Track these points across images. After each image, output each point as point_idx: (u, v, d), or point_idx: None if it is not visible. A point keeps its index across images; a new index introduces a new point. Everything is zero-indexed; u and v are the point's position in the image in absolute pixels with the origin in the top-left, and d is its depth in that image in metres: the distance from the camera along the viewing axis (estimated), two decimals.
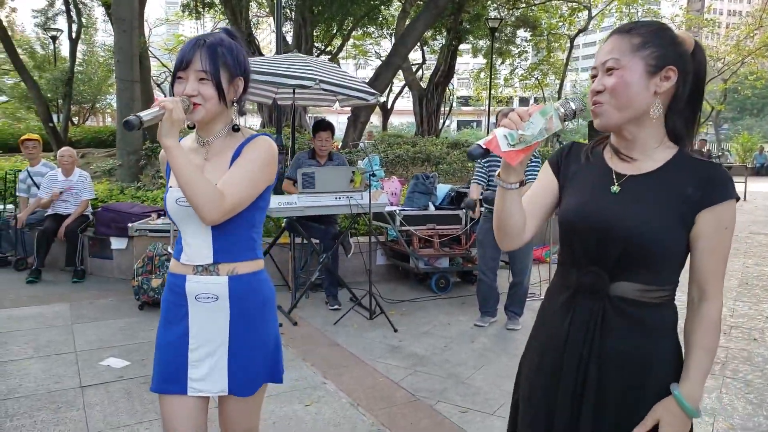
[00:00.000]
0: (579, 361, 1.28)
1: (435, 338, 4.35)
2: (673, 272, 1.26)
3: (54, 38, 20.50)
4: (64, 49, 22.19)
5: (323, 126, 5.04)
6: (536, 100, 38.91)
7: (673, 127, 1.26)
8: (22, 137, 6.38)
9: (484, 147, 1.20)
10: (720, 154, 23.09)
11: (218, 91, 1.56)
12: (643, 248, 1.21)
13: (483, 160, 4.56)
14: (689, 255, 1.25)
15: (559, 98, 25.35)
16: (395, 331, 4.44)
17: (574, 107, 1.23)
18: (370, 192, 4.49)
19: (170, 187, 1.66)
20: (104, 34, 27.11)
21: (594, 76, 1.27)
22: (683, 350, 1.27)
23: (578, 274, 1.31)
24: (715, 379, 3.60)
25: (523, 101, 38.25)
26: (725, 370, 3.76)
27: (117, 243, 5.76)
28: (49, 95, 17.73)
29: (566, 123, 1.27)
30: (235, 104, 1.66)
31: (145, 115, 1.46)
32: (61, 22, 19.56)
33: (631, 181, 1.27)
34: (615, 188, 1.28)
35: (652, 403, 1.24)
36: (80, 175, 6.03)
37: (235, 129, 1.65)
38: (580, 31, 24.14)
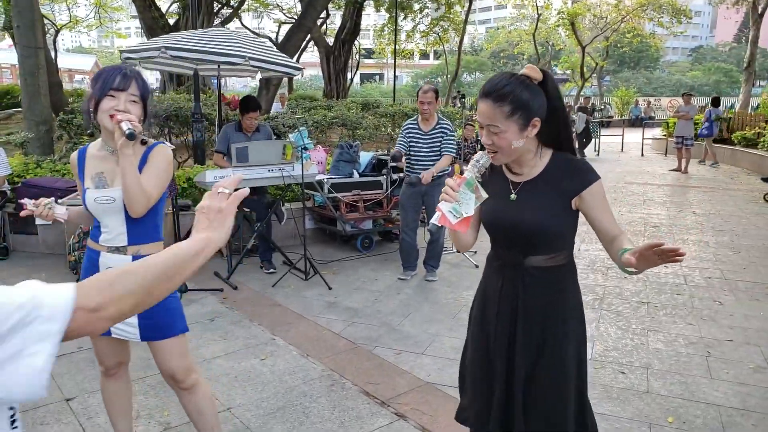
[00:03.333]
0: (511, 310, 1.84)
1: (366, 293, 4.90)
2: (568, 241, 1.84)
3: None
4: None
5: (252, 106, 5.23)
6: (436, 54, 39.74)
7: (546, 140, 1.78)
8: None
9: (439, 224, 1.61)
10: (602, 107, 25.07)
11: (144, 111, 2.10)
12: (541, 234, 1.77)
13: (404, 129, 5.06)
14: (592, 224, 1.77)
15: (459, 54, 26.27)
16: (330, 288, 4.94)
17: (482, 163, 1.69)
18: (302, 164, 4.87)
19: (87, 188, 2.14)
20: None
21: (482, 127, 1.74)
22: (619, 251, 1.65)
23: (502, 252, 1.89)
24: (594, 311, 4.44)
25: (424, 56, 38.90)
26: (602, 304, 4.62)
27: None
28: None
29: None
30: (143, 122, 2.14)
31: (134, 129, 1.97)
32: None
33: (525, 187, 1.80)
34: (513, 196, 1.81)
35: (567, 336, 1.81)
36: None
37: (143, 143, 2.12)
38: None
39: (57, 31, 22.52)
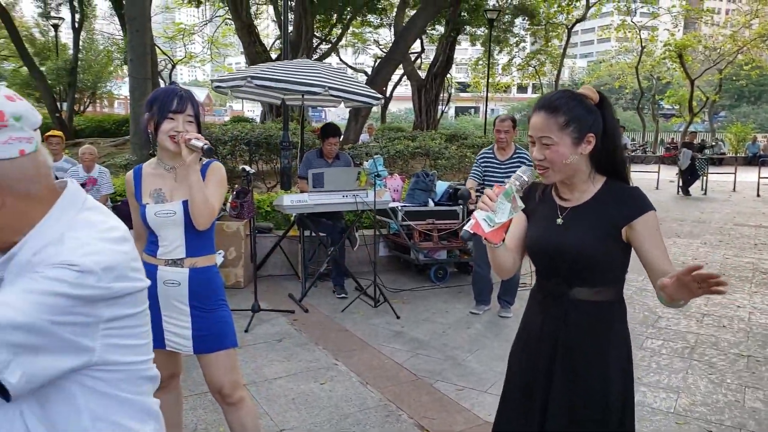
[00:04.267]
0: (551, 347, 1.70)
1: (434, 324, 4.78)
2: (616, 274, 1.67)
3: (56, 26, 20.68)
4: (63, 37, 22.42)
5: (331, 132, 5.41)
6: (534, 88, 39.09)
7: (598, 166, 1.67)
8: (47, 134, 6.71)
9: (472, 232, 1.57)
10: (713, 144, 23.38)
11: (198, 130, 2.20)
12: (584, 261, 1.63)
13: (479, 158, 4.95)
14: (641, 258, 1.62)
15: (555, 87, 25.66)
16: (398, 317, 4.87)
17: (526, 178, 1.63)
18: (375, 191, 4.89)
19: (146, 204, 2.20)
20: (103, 21, 27.26)
21: (533, 142, 1.66)
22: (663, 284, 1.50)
23: (546, 283, 1.75)
24: (683, 361, 4.03)
25: (521, 89, 38.50)
26: (693, 353, 4.19)
27: None
28: (49, 82, 17.98)
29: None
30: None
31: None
32: (63, 11, 19.74)
33: (571, 213, 1.68)
34: (559, 220, 1.69)
35: (610, 379, 1.64)
36: (100, 171, 6.38)
37: (209, 155, 2.20)
38: (577, 21, 24.40)
39: (173, 66, 24.56)
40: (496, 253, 1.70)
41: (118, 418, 1.06)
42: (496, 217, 1.56)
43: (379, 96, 5.84)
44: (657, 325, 4.80)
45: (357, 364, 3.93)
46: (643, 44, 28.37)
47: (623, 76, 34.01)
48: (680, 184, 14.36)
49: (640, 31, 27.56)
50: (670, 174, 16.07)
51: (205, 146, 2.06)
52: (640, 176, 15.63)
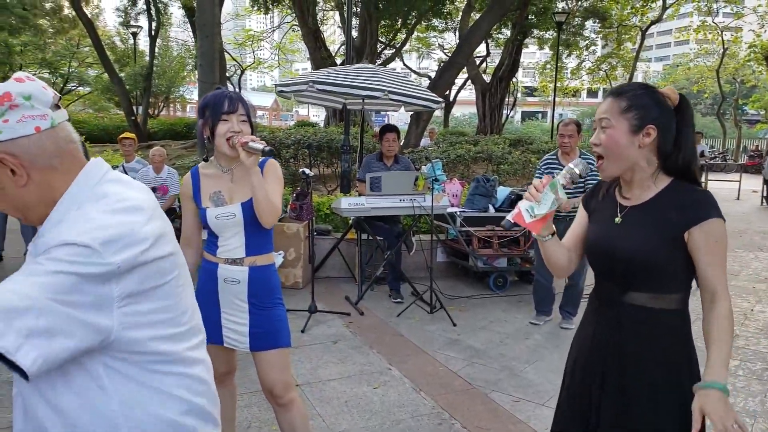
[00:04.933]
0: (603, 355, 1.60)
1: (491, 333, 4.66)
2: (677, 282, 1.54)
3: (134, 35, 21.82)
4: (141, 44, 23.64)
5: (389, 128, 5.42)
6: (605, 92, 37.80)
7: (667, 167, 1.55)
8: (121, 136, 7.07)
9: (513, 221, 1.56)
10: None
11: (252, 130, 2.20)
12: (639, 264, 1.52)
13: (542, 163, 4.80)
14: (696, 270, 1.51)
15: None
16: (454, 325, 4.78)
17: (578, 171, 1.57)
18: (432, 195, 4.83)
19: (206, 207, 2.22)
20: (178, 29, 28.53)
21: (594, 129, 1.59)
22: (705, 343, 1.49)
23: (601, 287, 1.66)
24: (762, 383, 3.75)
25: (591, 94, 37.30)
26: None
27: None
28: (127, 87, 18.97)
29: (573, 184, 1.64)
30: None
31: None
32: (142, 20, 20.80)
33: (631, 212, 1.58)
34: (618, 219, 1.60)
35: (663, 396, 1.53)
36: (169, 171, 6.65)
37: (272, 154, 2.21)
38: (653, 22, 23.41)
39: (242, 71, 25.37)
40: (545, 247, 1.65)
41: (156, 409, 1.06)
42: (538, 207, 1.53)
43: (440, 99, 5.78)
44: (734, 344, 4.48)
45: (411, 370, 3.88)
46: (726, 46, 26.86)
47: (702, 80, 32.34)
48: (765, 194, 13.48)
49: (722, 32, 26.12)
50: (753, 184, 15.14)
51: (266, 148, 2.07)
52: (720, 185, 14.79)
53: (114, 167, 7.37)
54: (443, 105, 5.67)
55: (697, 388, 1.44)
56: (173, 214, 6.56)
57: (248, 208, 2.19)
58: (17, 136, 0.99)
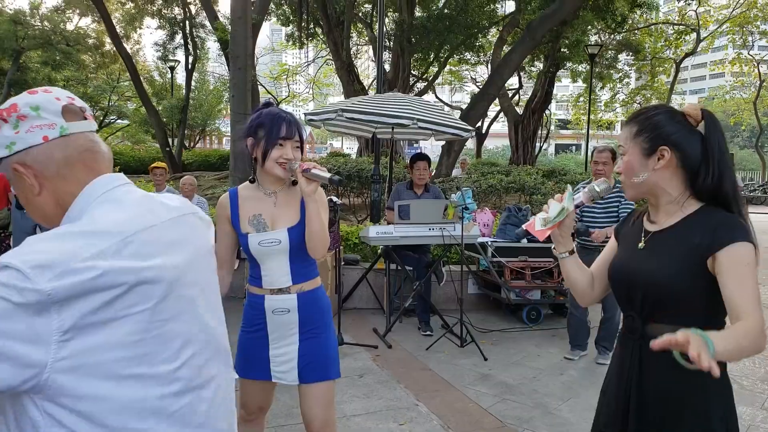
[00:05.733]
0: (626, 393, 1.48)
1: (524, 368, 4.46)
2: (703, 312, 1.39)
3: (172, 68, 22.51)
4: (179, 77, 24.39)
5: (420, 156, 5.36)
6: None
7: (692, 188, 1.45)
8: (152, 165, 7.18)
9: (525, 228, 1.59)
10: None
11: (301, 156, 2.10)
12: (659, 290, 1.41)
13: (573, 188, 4.64)
14: (723, 295, 1.35)
15: None
16: (485, 359, 4.60)
17: (598, 190, 1.55)
18: (462, 224, 4.72)
19: (247, 234, 2.09)
20: (215, 63, 29.39)
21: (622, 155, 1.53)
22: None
23: (623, 319, 1.56)
24: None
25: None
26: None
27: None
28: (164, 120, 19.50)
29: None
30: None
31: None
32: (179, 54, 21.48)
33: (655, 237, 1.49)
34: (641, 245, 1.51)
35: None
36: (198, 200, 6.70)
37: (294, 183, 2.12)
38: (687, 55, 23.11)
39: (277, 104, 25.81)
40: (563, 266, 1.61)
41: None
42: (547, 215, 1.54)
43: (470, 128, 5.70)
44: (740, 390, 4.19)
45: (439, 406, 3.71)
46: (763, 78, 26.33)
47: (739, 112, 31.67)
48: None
49: (758, 64, 25.65)
50: None
51: (334, 177, 1.98)
52: (760, 218, 14.30)
53: None
54: (474, 134, 5.61)
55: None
56: None
57: (295, 234, 2.07)
58: (28, 146, 0.98)
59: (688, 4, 19.95)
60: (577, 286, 1.62)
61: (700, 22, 21.51)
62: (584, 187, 4.65)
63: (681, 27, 21.34)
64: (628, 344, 1.51)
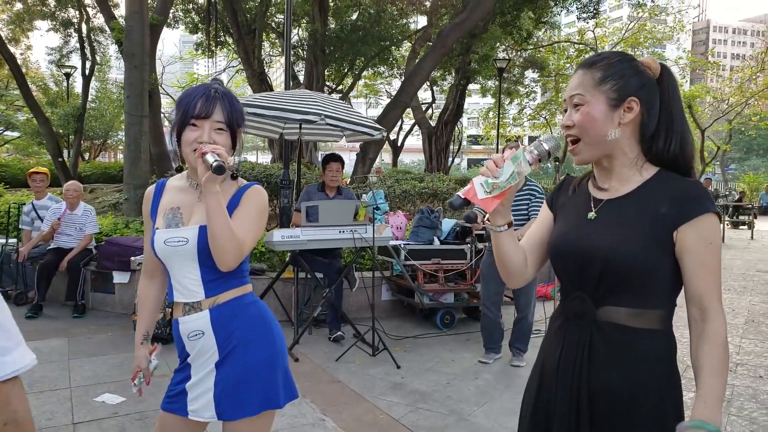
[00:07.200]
0: (570, 393, 1.26)
1: (438, 374, 4.27)
2: (662, 295, 1.24)
3: (68, 75, 20.94)
4: (78, 86, 22.74)
5: (333, 157, 5.10)
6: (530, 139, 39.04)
7: (649, 150, 1.28)
8: (30, 170, 6.45)
9: (462, 197, 1.26)
10: (727, 193, 23.03)
11: (233, 141, 1.66)
12: (620, 269, 1.21)
13: None
14: (682, 274, 1.22)
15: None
16: (398, 367, 4.36)
17: (547, 148, 1.27)
18: (374, 226, 4.48)
19: (156, 228, 1.69)
20: (117, 71, 27.75)
21: (565, 110, 1.30)
22: (694, 374, 1.21)
23: (567, 301, 1.32)
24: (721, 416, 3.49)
25: (533, 140, 38.58)
26: (730, 407, 3.65)
27: (119, 277, 5.74)
28: (60, 131, 18.02)
29: (541, 163, 1.31)
30: (234, 153, 1.71)
31: (222, 161, 1.53)
32: (75, 60, 20.06)
33: (608, 206, 1.29)
34: (591, 214, 1.30)
35: None
36: (85, 209, 6.04)
37: (234, 177, 1.69)
38: None
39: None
40: (498, 240, 1.33)
41: None
42: (495, 180, 1.24)
43: (380, 127, 5.50)
44: (686, 374, 4.25)
45: (347, 420, 3.42)
46: None
47: None
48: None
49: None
50: None
51: (215, 162, 1.51)
52: None
53: (21, 205, 6.70)
54: (384, 133, 5.39)
55: (683, 428, 1.12)
56: (88, 255, 5.93)
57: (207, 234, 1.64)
58: None
59: (587, 24, 21.14)
60: (511, 265, 1.37)
61: (598, 43, 22.86)
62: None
63: (581, 46, 22.55)
64: (574, 332, 1.29)
